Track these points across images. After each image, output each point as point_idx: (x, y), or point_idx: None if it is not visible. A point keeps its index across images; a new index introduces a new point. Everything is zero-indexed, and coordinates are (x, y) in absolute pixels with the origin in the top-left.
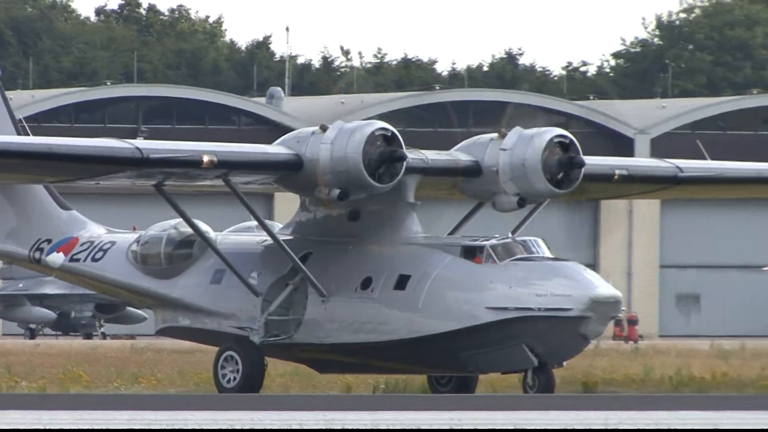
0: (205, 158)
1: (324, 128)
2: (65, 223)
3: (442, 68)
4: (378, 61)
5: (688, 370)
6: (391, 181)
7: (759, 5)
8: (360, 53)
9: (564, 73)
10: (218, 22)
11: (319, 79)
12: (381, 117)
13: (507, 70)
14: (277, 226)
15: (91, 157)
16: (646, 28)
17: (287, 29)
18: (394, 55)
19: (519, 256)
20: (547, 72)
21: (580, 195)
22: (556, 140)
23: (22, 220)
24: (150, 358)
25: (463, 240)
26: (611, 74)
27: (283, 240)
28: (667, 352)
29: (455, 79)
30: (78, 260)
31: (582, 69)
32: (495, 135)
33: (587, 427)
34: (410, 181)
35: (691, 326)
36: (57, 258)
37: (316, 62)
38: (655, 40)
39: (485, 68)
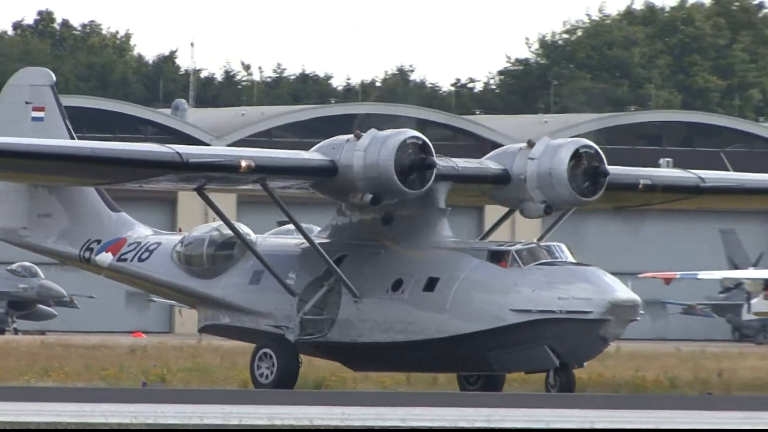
0: (243, 163)
1: (358, 136)
2: (114, 224)
3: (338, 83)
4: (277, 75)
5: None
6: (422, 187)
7: (636, 27)
8: (260, 68)
9: (452, 89)
10: (127, 37)
11: (221, 91)
12: (279, 129)
13: (399, 86)
14: (315, 229)
15: (133, 161)
16: (530, 47)
17: (192, 45)
18: (292, 70)
19: (542, 261)
20: (436, 88)
21: (606, 204)
22: (581, 150)
23: (74, 222)
24: (59, 353)
25: (490, 245)
26: (497, 91)
27: (320, 243)
28: None
29: (350, 93)
30: (125, 260)
31: (469, 85)
32: (524, 144)
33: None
34: (441, 188)
35: None
36: (105, 258)
37: (219, 76)
38: (539, 59)
39: (378, 83)
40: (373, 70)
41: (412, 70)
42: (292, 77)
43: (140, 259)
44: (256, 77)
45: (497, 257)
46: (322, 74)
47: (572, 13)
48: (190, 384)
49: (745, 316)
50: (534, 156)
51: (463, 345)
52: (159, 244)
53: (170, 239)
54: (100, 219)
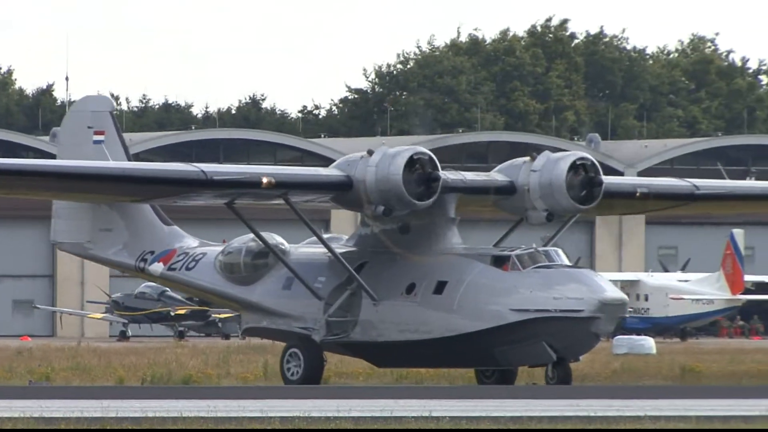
0: (265, 179)
1: (371, 153)
2: (167, 236)
3: (197, 111)
4: (143, 105)
5: None
6: (429, 198)
7: (463, 57)
8: (127, 98)
9: (300, 115)
10: (9, 73)
11: None
12: (146, 152)
13: (252, 113)
14: (343, 238)
15: (160, 179)
16: (367, 77)
17: (67, 79)
18: (156, 100)
19: (540, 264)
20: (285, 114)
21: (605, 210)
22: (578, 162)
23: (131, 235)
24: None
25: (494, 250)
26: (339, 116)
27: (345, 251)
28: None
29: (208, 120)
30: (174, 269)
31: (315, 112)
32: (528, 158)
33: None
34: (450, 199)
35: None
36: (157, 267)
37: None
38: (376, 87)
39: (233, 111)
40: (229, 98)
41: (263, 99)
42: (157, 106)
43: (187, 268)
44: (125, 107)
45: (500, 261)
46: (183, 103)
47: (405, 45)
48: (72, 381)
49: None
50: (536, 168)
51: (470, 342)
52: (204, 254)
53: (214, 250)
54: (154, 232)
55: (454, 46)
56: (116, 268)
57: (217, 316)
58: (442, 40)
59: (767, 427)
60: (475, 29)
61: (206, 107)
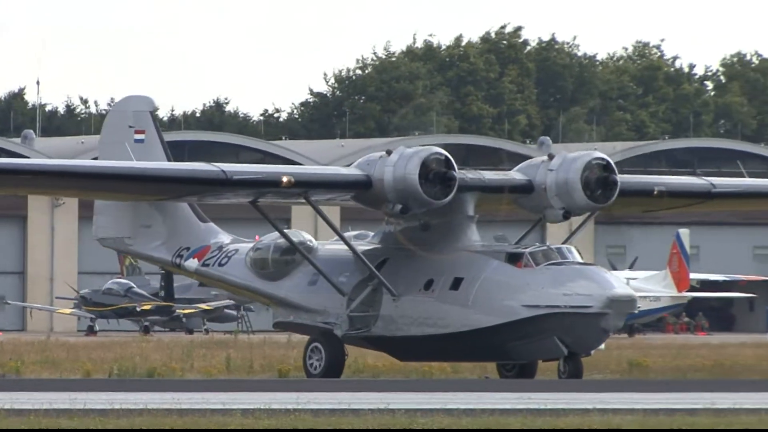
0: (284, 179)
1: (389, 153)
2: (202, 233)
3: (163, 113)
4: (110, 108)
5: (363, 359)
6: (445, 197)
7: (419, 63)
8: (96, 102)
9: (262, 118)
10: None
11: (64, 123)
12: None
13: (215, 116)
14: (369, 235)
15: (180, 179)
16: (327, 82)
17: (38, 83)
18: None
19: (552, 261)
20: (248, 117)
21: (622, 208)
22: (594, 162)
23: (169, 231)
24: None
25: (509, 247)
26: (300, 119)
27: (369, 248)
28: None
29: (174, 122)
30: (208, 265)
31: (276, 115)
32: (546, 157)
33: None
34: (469, 197)
35: None
36: (192, 263)
37: (62, 109)
38: (335, 91)
39: (198, 114)
40: (194, 102)
41: (227, 102)
42: None
43: (220, 264)
44: (93, 110)
45: (514, 258)
46: None
47: (363, 51)
48: (41, 374)
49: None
50: (553, 167)
51: (485, 337)
52: (236, 250)
53: (246, 246)
54: (191, 229)
55: (409, 53)
56: (155, 263)
57: (182, 311)
58: (398, 46)
59: (710, 419)
60: (430, 35)
61: (172, 110)
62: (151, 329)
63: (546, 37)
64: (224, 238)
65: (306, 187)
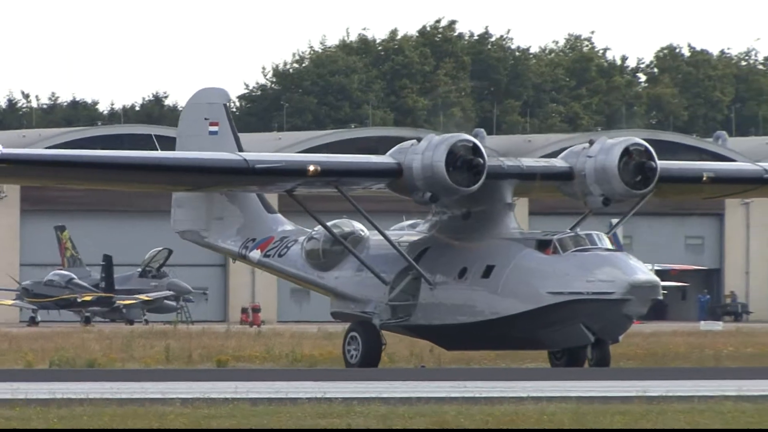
0: (311, 167)
1: (419, 140)
2: (268, 223)
3: (104, 107)
4: (52, 102)
5: (300, 349)
6: (473, 185)
7: (356, 56)
8: (37, 96)
9: None
10: None
11: (5, 117)
12: (54, 148)
13: (155, 109)
14: (420, 224)
15: (200, 168)
16: (265, 75)
17: None
18: (64, 98)
19: (578, 248)
20: None
21: (668, 195)
22: (632, 148)
23: (239, 223)
24: None
25: (538, 234)
26: (237, 113)
27: (415, 237)
28: (283, 335)
29: (114, 116)
30: (269, 256)
31: None
32: (587, 144)
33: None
34: (507, 185)
35: (303, 313)
36: (255, 254)
37: (3, 103)
38: (273, 85)
39: (137, 108)
40: (133, 96)
41: (166, 96)
42: (65, 103)
43: (280, 255)
44: (34, 104)
45: (543, 245)
46: (90, 100)
47: (300, 45)
48: None
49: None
50: (591, 154)
51: (515, 325)
52: (296, 241)
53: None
54: (258, 220)
55: (344, 47)
56: (227, 255)
57: (122, 302)
58: (333, 40)
59: (643, 406)
60: (365, 29)
61: (112, 104)
62: (91, 320)
63: (479, 31)
64: (288, 228)
65: (334, 176)
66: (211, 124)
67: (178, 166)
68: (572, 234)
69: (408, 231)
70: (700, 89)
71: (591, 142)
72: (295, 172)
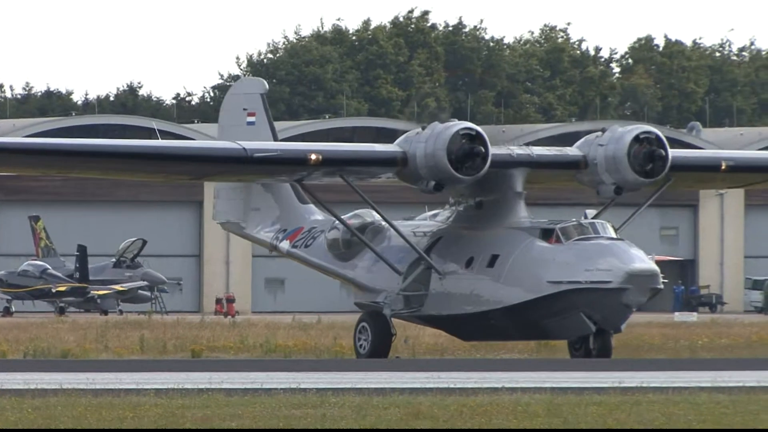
0: (312, 156)
1: (424, 128)
2: (300, 214)
3: (78, 98)
4: (26, 92)
5: (275, 339)
6: (475, 173)
7: (330, 47)
8: (11, 86)
9: (174, 102)
10: None
11: None
12: (30, 137)
13: (129, 100)
14: (444, 215)
15: (198, 157)
16: (240, 65)
17: None
18: (39, 88)
19: (581, 237)
20: (161, 101)
21: (684, 184)
22: (642, 136)
23: (273, 213)
24: None
25: (543, 223)
26: (212, 103)
27: (430, 227)
28: (258, 325)
29: (88, 106)
30: (297, 247)
31: (188, 99)
32: (600, 132)
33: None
34: (517, 173)
35: (278, 304)
36: (285, 245)
37: None
38: (247, 75)
39: (112, 98)
40: (108, 86)
41: (140, 86)
42: (39, 93)
43: (306, 246)
44: (9, 94)
45: (546, 234)
46: (64, 90)
47: (275, 35)
48: None
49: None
50: (603, 142)
51: (518, 314)
52: (322, 231)
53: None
54: (291, 210)
55: (318, 37)
56: (262, 246)
57: (96, 293)
58: (308, 30)
59: (618, 397)
60: (338, 19)
61: (86, 94)
62: (66, 310)
63: (454, 21)
64: (318, 218)
65: (337, 165)
66: (249, 115)
67: (176, 155)
68: (575, 223)
69: (427, 221)
70: (674, 80)
71: (603, 131)
72: (296, 161)
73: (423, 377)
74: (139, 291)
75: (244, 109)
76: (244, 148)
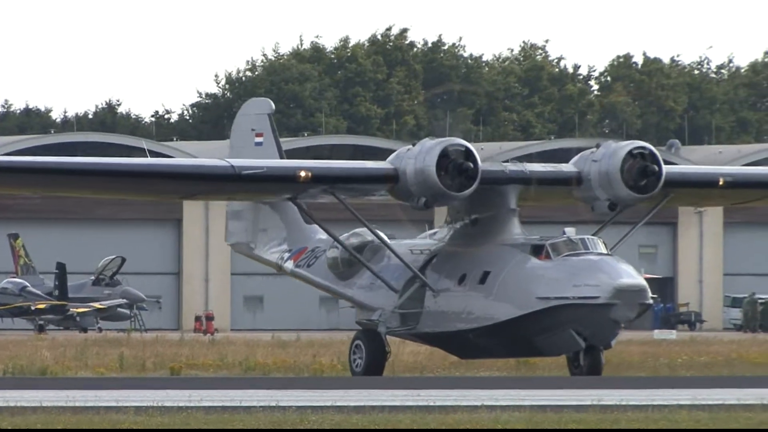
0: (302, 173)
1: (414, 144)
2: (305, 234)
3: (57, 115)
4: (4, 110)
5: (254, 357)
6: (465, 190)
7: (309, 65)
8: None
9: (153, 119)
10: None
11: None
12: (8, 155)
13: (108, 117)
14: (442, 233)
15: (186, 175)
16: (218, 83)
17: None
18: (18, 105)
19: (569, 253)
20: (140, 118)
21: (682, 202)
22: (635, 151)
23: (280, 234)
24: None
25: (533, 240)
26: (190, 120)
27: (426, 245)
28: (237, 343)
29: (67, 124)
30: (300, 266)
31: (167, 116)
32: (595, 148)
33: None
34: (511, 190)
35: (257, 321)
36: (289, 264)
37: None
38: (226, 93)
39: (90, 116)
40: (86, 103)
41: (119, 104)
42: (18, 111)
43: (308, 265)
44: None
45: (537, 251)
46: (43, 108)
47: (254, 53)
48: None
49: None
50: (596, 158)
51: (508, 331)
52: (324, 251)
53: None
54: (296, 230)
55: (296, 54)
56: (270, 266)
57: (75, 310)
58: (287, 47)
59: (597, 415)
60: (317, 37)
61: (65, 112)
62: (45, 328)
63: (433, 39)
64: (322, 238)
65: (328, 182)
66: (257, 135)
67: (164, 173)
68: (565, 239)
69: (426, 240)
70: (653, 98)
71: (598, 146)
72: (284, 179)
73: (402, 395)
74: (119, 309)
75: (252, 130)
76: (232, 166)
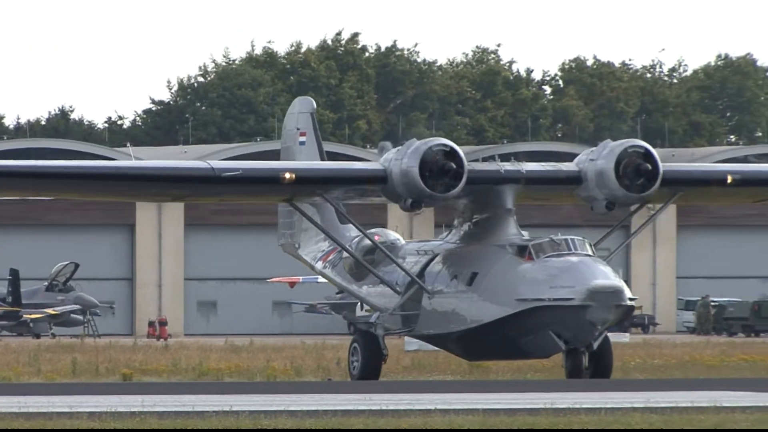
0: (286, 175)
1: (402, 144)
2: (340, 234)
3: (9, 122)
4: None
5: (207, 362)
6: (450, 191)
7: (261, 70)
8: None
9: (106, 125)
10: None
11: None
12: None
13: (60, 123)
14: (447, 234)
15: (165, 177)
16: (170, 89)
17: None
18: None
19: (551, 254)
20: (93, 124)
21: (687, 200)
22: (630, 150)
23: (317, 234)
24: None
25: (519, 240)
26: (143, 126)
27: (429, 246)
28: (190, 348)
29: (20, 130)
30: (326, 267)
31: (119, 122)
32: (594, 148)
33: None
34: (508, 190)
35: (210, 326)
36: (319, 265)
37: None
38: (178, 98)
39: (43, 122)
40: (39, 109)
41: (72, 110)
42: None
43: (333, 266)
44: None
45: (522, 251)
46: None
47: (205, 58)
48: None
49: (359, 312)
50: (593, 158)
51: (492, 333)
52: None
53: None
54: (332, 231)
55: (250, 60)
56: (307, 266)
57: (29, 316)
58: (239, 52)
59: (549, 419)
60: (269, 42)
61: (17, 118)
62: None
63: (386, 44)
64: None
65: (313, 183)
66: (301, 135)
67: (141, 175)
68: (548, 239)
69: (432, 241)
70: (604, 101)
71: (596, 146)
72: (266, 180)
73: (356, 399)
74: (72, 314)
75: (297, 129)
76: (212, 168)
